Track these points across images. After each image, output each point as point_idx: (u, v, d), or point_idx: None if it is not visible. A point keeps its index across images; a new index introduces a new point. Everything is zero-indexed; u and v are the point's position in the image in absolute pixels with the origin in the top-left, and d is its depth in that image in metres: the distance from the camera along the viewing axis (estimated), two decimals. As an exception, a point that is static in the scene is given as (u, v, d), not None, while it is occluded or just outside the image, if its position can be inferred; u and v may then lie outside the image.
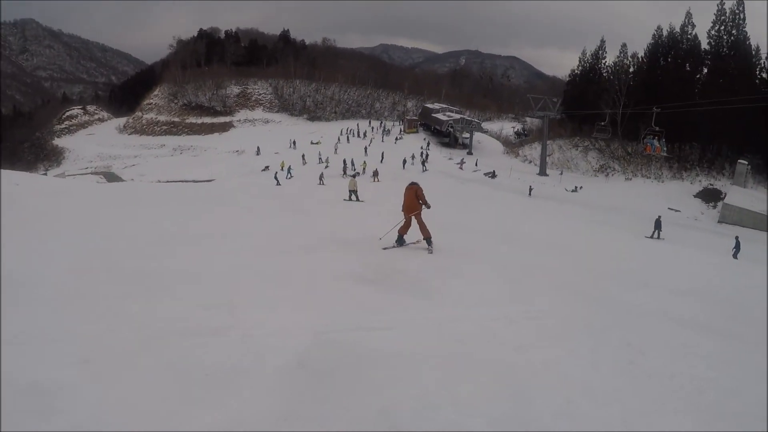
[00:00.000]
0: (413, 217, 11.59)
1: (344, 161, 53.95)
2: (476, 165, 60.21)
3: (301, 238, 12.45)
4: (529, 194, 42.15)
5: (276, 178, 44.89)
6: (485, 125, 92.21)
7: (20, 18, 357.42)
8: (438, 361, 5.12)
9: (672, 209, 44.93)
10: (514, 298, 7.84)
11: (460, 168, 58.21)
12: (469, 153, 69.98)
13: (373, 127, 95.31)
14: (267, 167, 59.15)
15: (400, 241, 11.71)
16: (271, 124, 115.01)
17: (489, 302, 7.42)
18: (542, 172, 58.55)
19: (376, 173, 46.91)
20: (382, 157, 60.85)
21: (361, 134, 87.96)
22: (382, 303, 7.01)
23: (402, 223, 11.74)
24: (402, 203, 11.72)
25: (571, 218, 29.78)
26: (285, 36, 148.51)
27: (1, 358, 4.52)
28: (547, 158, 60.87)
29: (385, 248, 11.27)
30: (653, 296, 9.22)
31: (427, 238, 11.39)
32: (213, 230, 13.34)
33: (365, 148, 66.39)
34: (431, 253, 11.08)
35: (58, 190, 25.53)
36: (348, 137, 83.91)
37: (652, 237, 26.84)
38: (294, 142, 78.85)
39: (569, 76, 78.76)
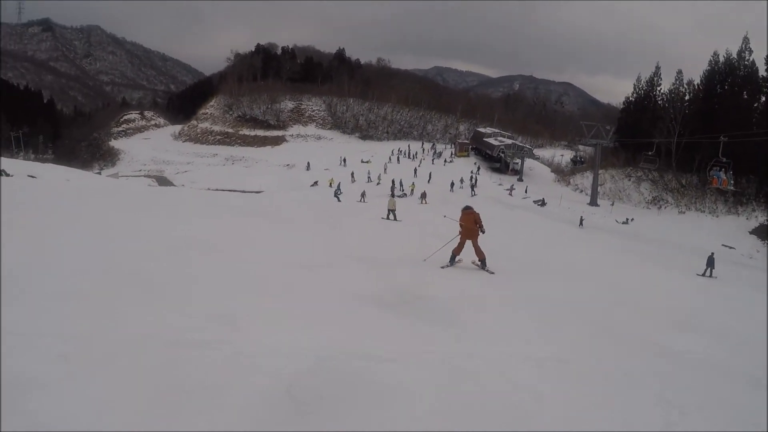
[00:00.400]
0: (469, 241, 12.35)
1: (392, 181, 53.92)
2: (526, 192, 59.28)
3: (329, 254, 12.19)
4: (580, 225, 41.25)
5: (336, 195, 45.32)
6: (537, 152, 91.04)
7: (86, 24, 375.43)
8: (438, 403, 4.60)
9: (726, 246, 43.18)
10: (544, 336, 7.18)
11: (510, 194, 57.50)
12: (520, 179, 68.89)
13: (424, 149, 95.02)
14: (316, 182, 60.04)
15: (452, 261, 12.37)
16: (323, 140, 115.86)
17: (514, 339, 6.84)
18: (593, 202, 57.29)
19: (424, 195, 46.49)
20: (430, 177, 60.91)
21: (412, 155, 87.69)
22: (397, 330, 6.58)
23: (456, 245, 12.48)
24: (459, 225, 12.57)
25: (619, 251, 28.86)
26: (340, 54, 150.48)
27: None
28: (599, 188, 59.77)
29: (442, 267, 12.03)
30: (700, 343, 8.28)
31: (482, 260, 12.27)
32: (242, 240, 13.14)
33: (415, 170, 66.33)
34: (492, 272, 12.07)
35: (106, 189, 26.16)
36: (398, 158, 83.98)
37: (704, 275, 25.66)
38: (344, 160, 79.54)
39: (623, 103, 76.12)
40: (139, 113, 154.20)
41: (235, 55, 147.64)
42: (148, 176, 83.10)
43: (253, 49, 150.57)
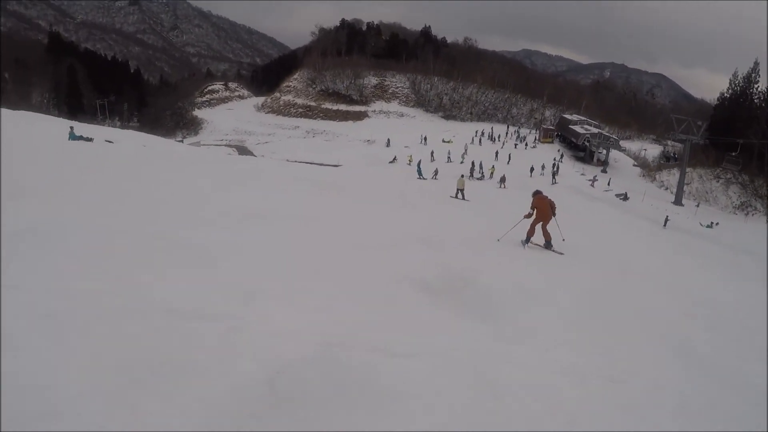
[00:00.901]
0: (540, 225, 12.95)
1: (472, 163, 53.19)
2: (608, 184, 57.26)
3: (389, 234, 11.72)
4: (665, 225, 39.68)
5: (419, 172, 46.04)
6: (624, 144, 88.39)
7: None
8: (440, 419, 3.97)
9: (812, 261, 41.11)
10: (598, 346, 6.37)
11: (592, 185, 55.76)
12: (604, 171, 66.62)
13: (507, 132, 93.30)
14: (395, 159, 60.14)
15: (527, 241, 13.05)
16: (406, 118, 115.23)
17: (563, 345, 6.10)
18: (678, 201, 54.78)
19: (503, 179, 45.53)
20: (509, 159, 60.79)
21: (495, 138, 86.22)
22: (428, 321, 6.04)
23: (529, 227, 13.03)
24: (536, 210, 12.89)
25: (700, 257, 27.73)
26: (426, 32, 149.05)
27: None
28: (685, 187, 57.52)
29: (525, 244, 12.95)
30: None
31: (548, 241, 13.08)
32: (303, 213, 12.68)
33: (496, 152, 65.24)
34: (562, 253, 12.84)
35: (181, 155, 26.43)
36: (480, 139, 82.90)
37: (790, 291, 24.49)
38: (425, 138, 78.95)
39: (718, 99, 72.49)
40: (223, 84, 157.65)
41: (320, 30, 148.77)
42: (229, 145, 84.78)
43: (338, 24, 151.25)
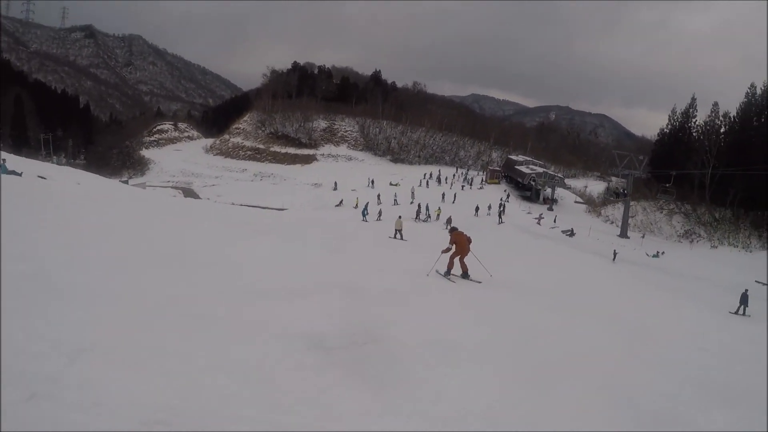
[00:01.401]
0: (458, 258, 14.28)
1: (419, 205, 52.57)
2: (555, 221, 57.52)
3: (308, 278, 10.72)
4: (614, 259, 39.30)
5: (364, 215, 45.86)
6: (569, 182, 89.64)
7: (128, 33, 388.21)
8: None
9: (760, 282, 41.49)
10: (525, 404, 5.61)
11: (538, 223, 55.79)
12: (550, 209, 67.09)
13: (455, 175, 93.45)
14: (341, 202, 59.62)
15: (448, 274, 14.21)
16: (354, 161, 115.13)
17: (482, 417, 5.18)
18: (623, 234, 55.41)
19: (449, 221, 44.94)
20: (455, 199, 61.82)
21: (443, 180, 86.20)
22: (302, 390, 5.07)
23: (449, 261, 14.32)
24: (456, 245, 14.19)
25: (647, 286, 27.40)
26: (376, 76, 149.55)
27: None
28: (630, 219, 58.24)
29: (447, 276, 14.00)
30: (744, 423, 6.55)
31: (465, 272, 14.31)
32: (219, 256, 11.65)
33: (443, 194, 64.87)
34: (479, 282, 13.99)
35: (110, 194, 25.26)
36: (427, 182, 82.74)
37: (737, 313, 24.43)
38: (372, 182, 78.60)
39: (658, 134, 75.70)
40: (172, 124, 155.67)
41: (271, 72, 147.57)
42: (175, 187, 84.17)
43: (290, 67, 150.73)
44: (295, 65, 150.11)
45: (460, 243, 14.17)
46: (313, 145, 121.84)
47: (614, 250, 40.90)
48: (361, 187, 74.53)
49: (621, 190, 78.26)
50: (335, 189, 75.74)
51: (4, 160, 26.75)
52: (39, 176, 27.42)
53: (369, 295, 9.96)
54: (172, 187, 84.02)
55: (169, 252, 10.86)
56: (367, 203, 50.74)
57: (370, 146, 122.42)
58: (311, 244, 18.52)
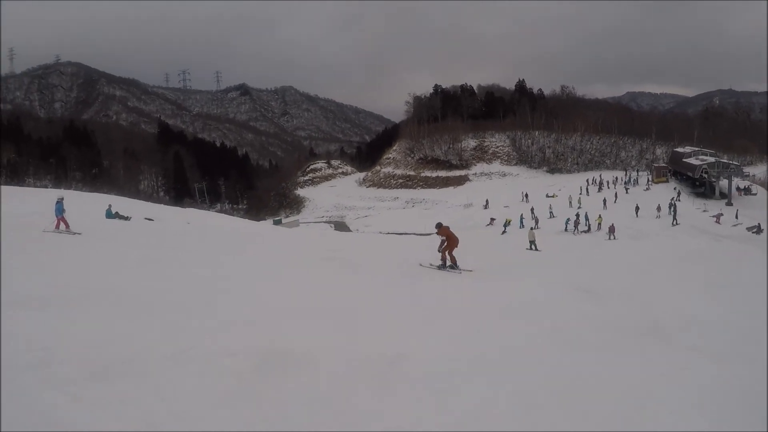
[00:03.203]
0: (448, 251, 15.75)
1: (577, 215, 48.00)
2: (737, 218, 51.01)
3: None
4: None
5: (504, 226, 48.40)
6: (747, 170, 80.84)
7: (280, 86, 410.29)
8: None
9: None
10: None
11: (717, 222, 49.68)
12: (728, 203, 60.39)
13: (617, 177, 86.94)
14: (492, 220, 56.70)
15: (444, 266, 15.91)
16: (509, 177, 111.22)
17: None
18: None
19: (612, 230, 39.90)
20: (604, 204, 57.85)
21: (605, 185, 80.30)
22: None
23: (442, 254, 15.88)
24: (452, 241, 15.63)
25: None
26: (521, 86, 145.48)
27: None
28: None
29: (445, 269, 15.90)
30: None
31: (455, 263, 15.85)
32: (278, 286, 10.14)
33: (604, 201, 60.27)
34: (471, 270, 15.79)
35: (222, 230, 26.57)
36: (587, 189, 77.19)
37: None
38: (526, 195, 75.07)
39: None
40: (325, 162, 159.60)
41: (413, 98, 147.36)
42: (328, 222, 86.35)
43: (432, 90, 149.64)
44: (437, 88, 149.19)
45: (450, 236, 15.55)
46: (465, 165, 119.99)
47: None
48: (514, 203, 70.78)
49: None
50: (486, 207, 73.05)
51: (110, 205, 28.23)
52: (146, 218, 28.38)
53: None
54: (325, 222, 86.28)
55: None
56: (509, 221, 49.99)
57: (524, 159, 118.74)
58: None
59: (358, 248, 23.16)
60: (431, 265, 16.42)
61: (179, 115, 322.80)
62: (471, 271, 15.66)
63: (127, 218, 26.41)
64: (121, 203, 33.27)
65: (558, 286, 14.19)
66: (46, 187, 70.96)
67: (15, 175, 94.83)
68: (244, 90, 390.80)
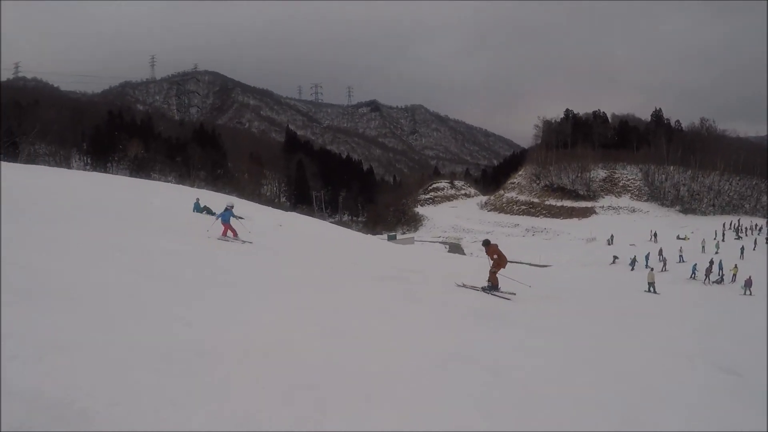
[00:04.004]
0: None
1: (710, 262, 43.67)
2: None
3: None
4: None
5: (632, 264, 48.33)
6: None
7: (410, 104, 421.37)
8: None
9: None
10: None
11: None
12: None
13: (756, 225, 79.34)
14: (615, 258, 53.78)
15: (494, 289, 14.16)
16: (638, 213, 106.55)
17: None
18: None
19: (748, 283, 35.78)
20: (741, 253, 52.16)
21: (743, 231, 74.63)
22: None
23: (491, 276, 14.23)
24: (501, 260, 14.06)
25: None
26: (657, 116, 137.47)
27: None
28: None
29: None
30: None
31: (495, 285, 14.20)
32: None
33: (741, 249, 54.99)
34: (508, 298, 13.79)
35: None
36: (723, 234, 71.45)
37: None
38: (655, 235, 70.79)
39: None
40: (448, 182, 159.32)
41: (543, 122, 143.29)
42: (444, 242, 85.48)
43: (563, 115, 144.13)
44: (568, 112, 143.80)
45: (501, 255, 14.10)
46: (592, 197, 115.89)
47: None
48: (641, 242, 66.84)
49: None
50: (610, 243, 69.85)
51: (198, 198, 29.41)
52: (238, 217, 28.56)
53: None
54: (440, 242, 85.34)
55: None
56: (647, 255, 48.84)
57: (656, 196, 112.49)
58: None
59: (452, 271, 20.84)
60: (474, 287, 14.67)
61: (309, 126, 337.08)
62: (514, 294, 14.04)
63: (213, 213, 26.20)
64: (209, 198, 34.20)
65: (682, 356, 9.89)
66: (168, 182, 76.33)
67: (141, 170, 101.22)
68: (374, 106, 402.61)
